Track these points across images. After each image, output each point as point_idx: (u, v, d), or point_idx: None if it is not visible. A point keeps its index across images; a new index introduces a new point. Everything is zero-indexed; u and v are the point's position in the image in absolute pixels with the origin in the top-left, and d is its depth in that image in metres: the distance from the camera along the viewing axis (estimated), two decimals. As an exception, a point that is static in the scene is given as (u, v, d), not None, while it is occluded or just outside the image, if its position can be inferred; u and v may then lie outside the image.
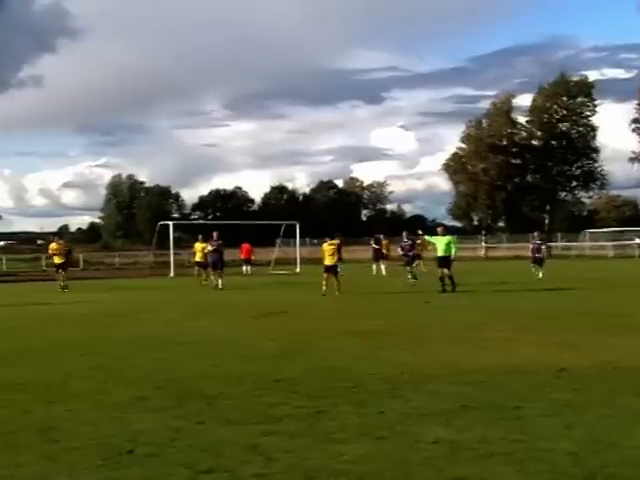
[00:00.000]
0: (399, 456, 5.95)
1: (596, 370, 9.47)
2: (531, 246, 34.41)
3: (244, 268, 44.62)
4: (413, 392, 8.36)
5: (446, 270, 24.33)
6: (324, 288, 24.01)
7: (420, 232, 27.79)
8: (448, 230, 28.34)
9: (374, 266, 39.86)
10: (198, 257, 32.59)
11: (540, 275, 31.11)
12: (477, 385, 8.68)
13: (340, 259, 40.85)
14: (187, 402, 8.16)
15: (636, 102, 76.45)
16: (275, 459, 5.96)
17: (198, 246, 32.64)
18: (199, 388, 8.90)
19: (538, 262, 32.09)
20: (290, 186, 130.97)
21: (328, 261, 24.78)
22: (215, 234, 29.82)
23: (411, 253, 29.35)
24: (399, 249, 31.00)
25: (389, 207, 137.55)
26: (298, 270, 44.26)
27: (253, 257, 47.02)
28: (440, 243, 24.74)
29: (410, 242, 29.70)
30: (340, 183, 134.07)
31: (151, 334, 14.53)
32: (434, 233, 25.73)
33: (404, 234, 30.39)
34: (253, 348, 12.32)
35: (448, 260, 24.38)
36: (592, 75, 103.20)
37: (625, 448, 6.01)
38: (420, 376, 9.32)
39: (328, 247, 24.99)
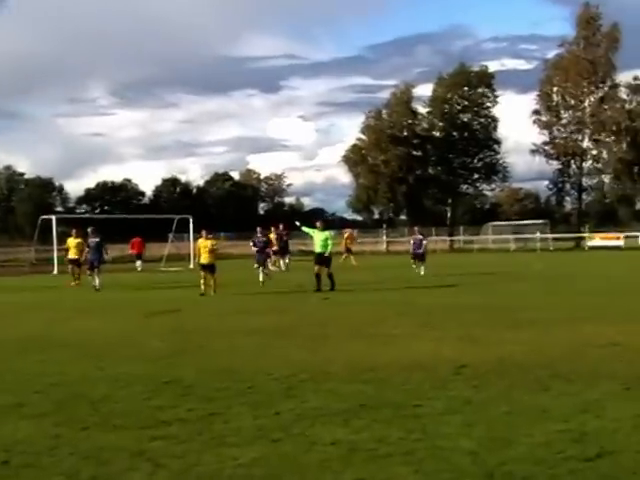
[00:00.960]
0: (295, 459, 5.94)
1: (496, 366, 9.69)
2: (412, 241, 33.65)
3: (137, 264, 43.94)
4: (310, 392, 8.37)
5: (325, 268, 23.64)
6: (202, 287, 23.35)
7: (297, 223, 26.07)
8: (348, 225, 27.85)
9: (281, 261, 39.56)
10: (72, 254, 31.35)
11: (422, 272, 30.55)
12: (376, 383, 8.76)
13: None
14: (69, 407, 7.96)
15: (536, 93, 78.40)
16: (163, 465, 5.86)
17: (71, 242, 31.32)
18: (83, 392, 8.70)
19: (419, 258, 31.71)
20: (183, 178, 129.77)
21: (204, 259, 23.78)
22: (90, 230, 28.86)
23: (267, 250, 27.89)
24: (251, 245, 29.43)
25: (287, 200, 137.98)
26: (192, 266, 43.78)
27: (145, 252, 46.24)
28: (318, 238, 24.08)
29: (265, 239, 28.52)
30: (236, 175, 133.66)
31: (32, 335, 14.14)
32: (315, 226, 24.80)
33: (258, 229, 29.17)
34: (142, 348, 12.14)
35: (325, 257, 23.73)
36: (492, 66, 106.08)
37: (524, 445, 6.15)
38: (318, 375, 9.35)
39: (204, 243, 23.86)
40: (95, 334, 14.18)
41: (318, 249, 23.89)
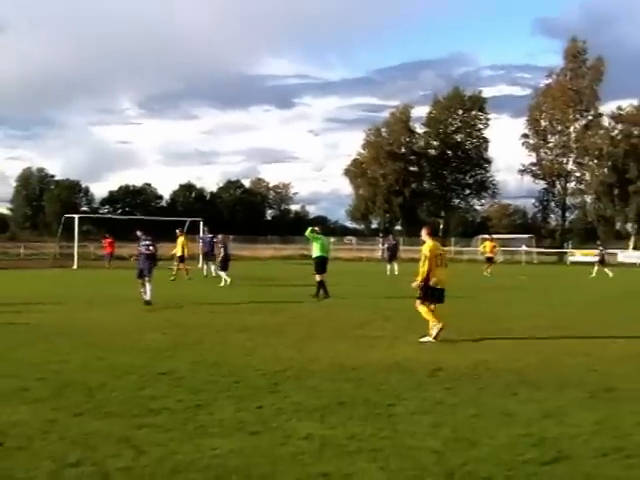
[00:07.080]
0: (269, 451, 5.83)
1: (470, 370, 9.56)
2: (386, 245, 34.24)
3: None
4: (293, 388, 8.26)
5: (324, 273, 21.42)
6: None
7: (316, 228, 22.37)
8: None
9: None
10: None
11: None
12: (356, 382, 8.64)
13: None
14: (67, 393, 7.86)
15: (526, 118, 78.18)
16: (145, 452, 5.75)
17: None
18: (82, 379, 8.59)
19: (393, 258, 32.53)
20: (198, 184, 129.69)
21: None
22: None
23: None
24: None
25: (293, 207, 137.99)
26: (200, 265, 43.51)
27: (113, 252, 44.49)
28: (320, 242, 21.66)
29: (211, 236, 28.26)
30: (247, 183, 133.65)
31: (42, 324, 14.00)
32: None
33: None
34: (142, 341, 12.02)
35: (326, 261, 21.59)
36: (490, 91, 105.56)
37: (487, 447, 6.03)
38: (302, 372, 9.24)
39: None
40: (98, 325, 14.05)
41: (321, 253, 21.58)
